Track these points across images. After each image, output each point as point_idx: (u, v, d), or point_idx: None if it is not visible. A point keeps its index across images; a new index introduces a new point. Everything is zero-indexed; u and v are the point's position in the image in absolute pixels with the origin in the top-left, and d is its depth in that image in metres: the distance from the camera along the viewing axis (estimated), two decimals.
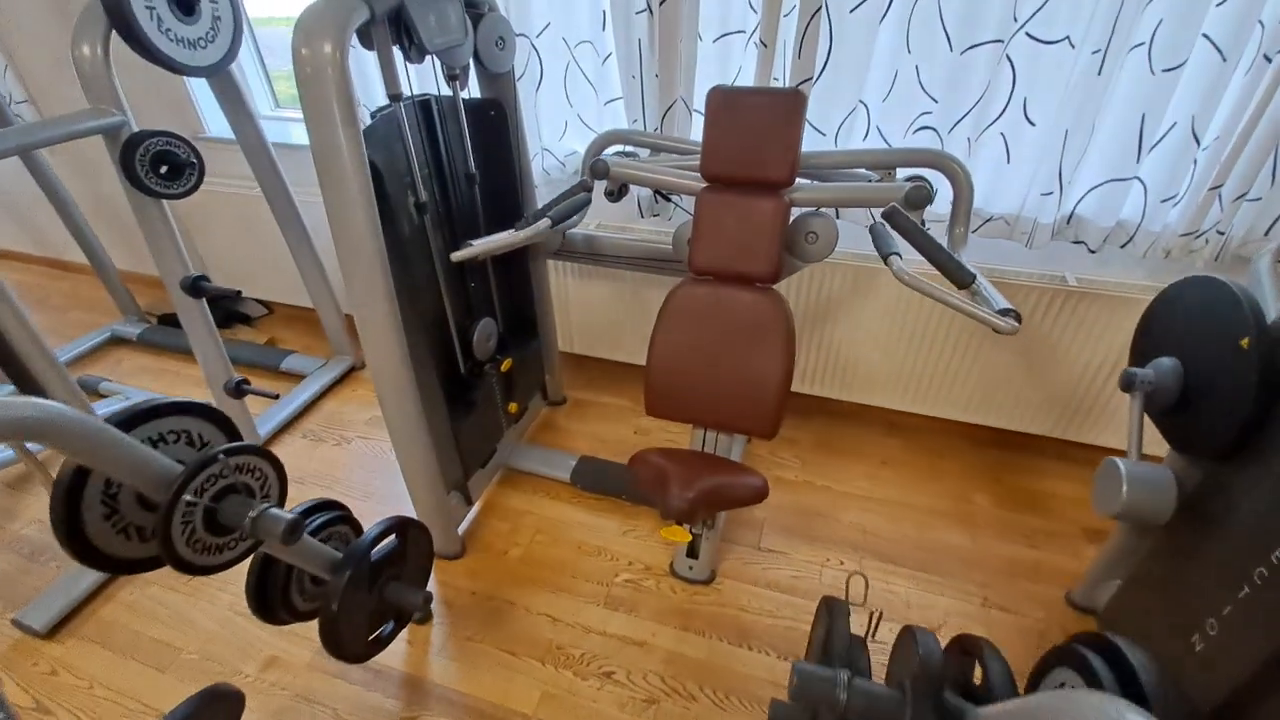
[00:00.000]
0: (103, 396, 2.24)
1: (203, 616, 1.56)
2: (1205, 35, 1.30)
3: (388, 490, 1.91)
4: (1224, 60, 1.29)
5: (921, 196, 1.26)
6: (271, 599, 1.19)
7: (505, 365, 1.74)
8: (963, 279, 1.08)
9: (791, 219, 1.47)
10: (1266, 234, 1.46)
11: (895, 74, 1.52)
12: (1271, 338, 1.06)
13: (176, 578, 1.64)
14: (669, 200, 1.85)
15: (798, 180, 1.39)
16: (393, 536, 1.26)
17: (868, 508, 1.82)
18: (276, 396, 1.92)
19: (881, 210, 1.12)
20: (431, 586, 1.61)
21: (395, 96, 1.22)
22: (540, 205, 1.71)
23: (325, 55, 1.02)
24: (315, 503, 1.29)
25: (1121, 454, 1.26)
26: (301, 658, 1.46)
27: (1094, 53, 1.33)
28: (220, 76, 1.67)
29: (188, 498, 0.77)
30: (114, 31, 1.42)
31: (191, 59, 1.51)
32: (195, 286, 1.70)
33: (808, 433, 2.09)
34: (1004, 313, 0.96)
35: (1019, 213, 1.59)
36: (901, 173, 1.44)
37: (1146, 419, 1.27)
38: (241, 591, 1.12)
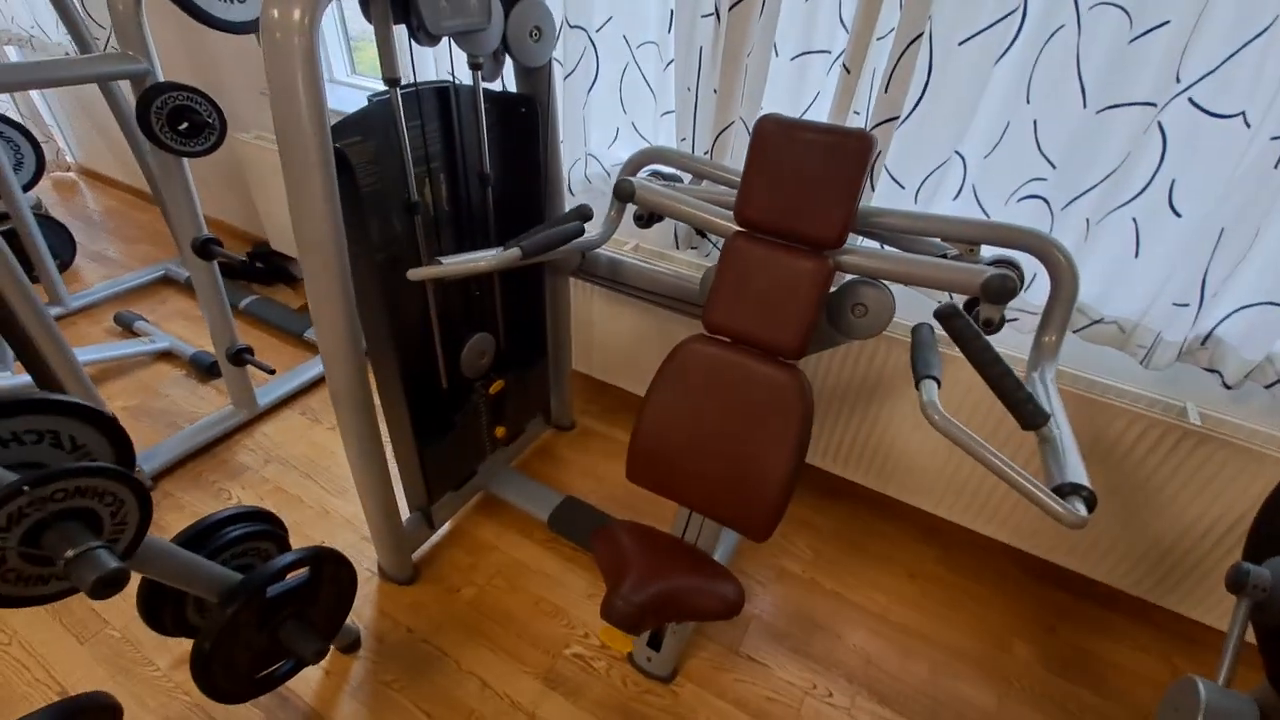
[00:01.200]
0: (134, 335, 2.27)
1: None
2: None
3: None
4: None
5: (1004, 290, 0.98)
6: (161, 607, 1.08)
7: (495, 387, 1.57)
8: (1033, 419, 0.80)
9: (838, 284, 1.22)
10: None
11: (1006, 126, 1.23)
12: None
13: None
14: (705, 236, 1.62)
15: (851, 240, 1.15)
16: (306, 569, 1.12)
17: (879, 630, 1.53)
18: (273, 372, 1.85)
19: (937, 307, 0.85)
20: (369, 613, 1.48)
21: (391, 81, 1.07)
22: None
23: (293, 22, 0.87)
24: (241, 511, 1.18)
25: (1209, 631, 0.93)
26: None
27: (1274, 139, 1.00)
28: None
29: None
30: None
31: (227, 13, 1.43)
32: (205, 249, 1.64)
33: (830, 518, 1.81)
34: (1068, 490, 0.68)
35: (1139, 321, 1.26)
36: (988, 251, 1.16)
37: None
38: None
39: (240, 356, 1.82)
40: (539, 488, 1.74)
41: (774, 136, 1.08)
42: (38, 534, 0.72)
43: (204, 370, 2.11)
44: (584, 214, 1.20)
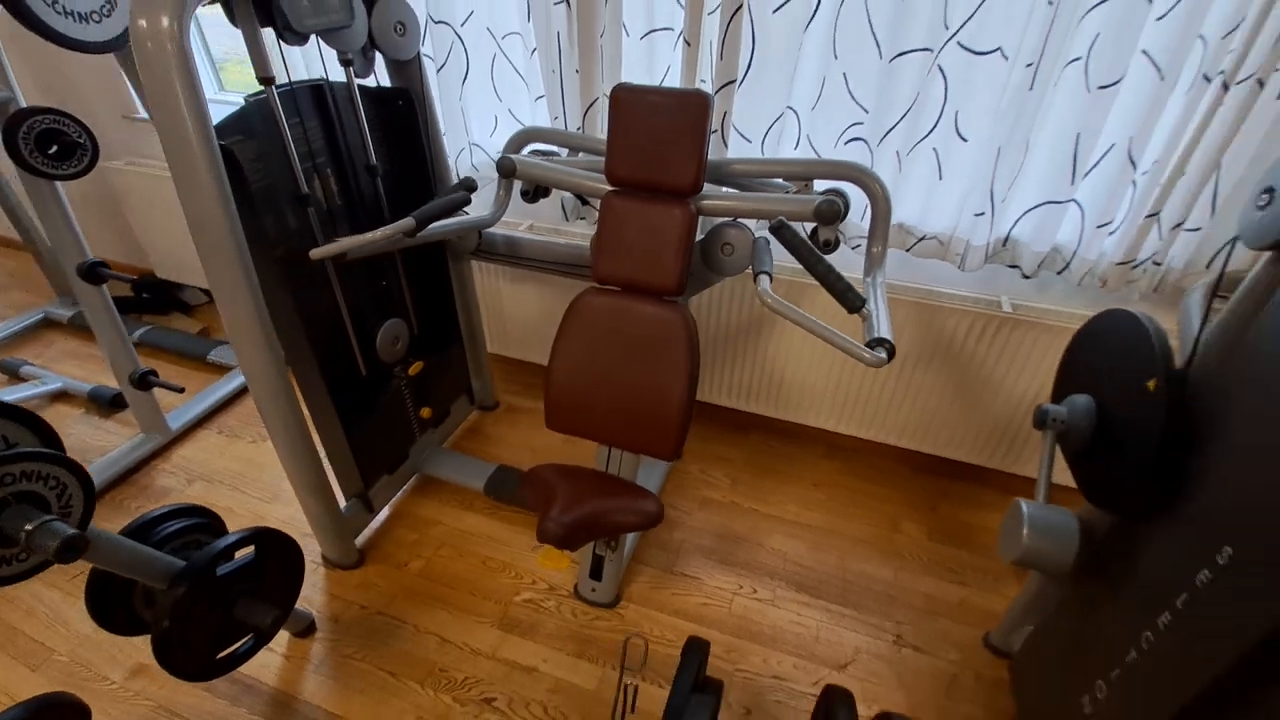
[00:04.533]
0: (21, 380, 2.17)
1: (78, 618, 1.49)
2: (1144, 51, 1.21)
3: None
4: (1162, 78, 1.21)
5: (831, 211, 1.18)
6: (111, 606, 1.12)
7: (414, 369, 1.66)
8: (852, 303, 1.00)
9: (707, 229, 1.40)
10: (1207, 266, 1.38)
11: (823, 80, 1.44)
12: (1183, 381, 0.98)
13: (56, 574, 1.57)
14: (589, 204, 1.77)
15: (708, 188, 1.32)
16: (251, 549, 1.19)
17: (793, 533, 1.75)
18: (181, 390, 1.84)
19: (770, 223, 1.04)
20: (320, 599, 1.54)
21: (265, 80, 1.14)
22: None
23: (163, 30, 0.94)
24: (176, 507, 1.23)
25: (1062, 488, 1.18)
26: None
27: (1027, 66, 1.25)
28: (126, 54, 1.59)
29: None
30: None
31: (83, 33, 1.43)
32: (93, 273, 1.63)
33: (742, 450, 2.01)
34: (874, 344, 0.88)
35: (952, 233, 1.51)
36: (821, 185, 1.36)
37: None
38: None
39: (146, 380, 1.80)
40: (471, 461, 1.84)
41: (628, 103, 1.23)
42: None
43: (105, 404, 2.05)
44: (468, 185, 1.31)
